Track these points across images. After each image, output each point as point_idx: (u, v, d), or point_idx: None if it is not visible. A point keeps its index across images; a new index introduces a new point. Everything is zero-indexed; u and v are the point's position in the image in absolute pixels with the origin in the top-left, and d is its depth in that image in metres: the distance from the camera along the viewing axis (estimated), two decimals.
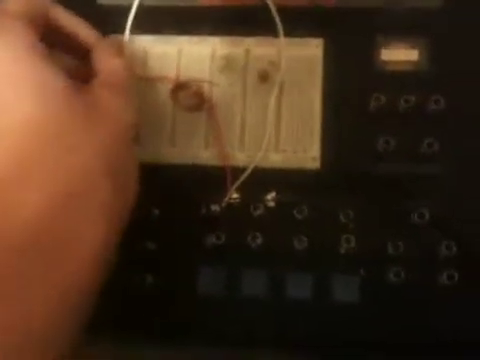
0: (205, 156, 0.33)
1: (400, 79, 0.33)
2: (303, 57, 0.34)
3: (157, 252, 0.32)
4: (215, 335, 0.31)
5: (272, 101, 0.33)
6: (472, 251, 0.30)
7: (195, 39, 0.35)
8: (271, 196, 0.32)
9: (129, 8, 0.35)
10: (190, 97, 0.33)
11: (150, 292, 0.31)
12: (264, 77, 0.33)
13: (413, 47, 0.33)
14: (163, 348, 0.32)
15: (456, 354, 0.30)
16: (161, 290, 0.32)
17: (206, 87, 0.34)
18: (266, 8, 0.34)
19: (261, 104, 0.33)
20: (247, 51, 0.34)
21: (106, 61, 0.29)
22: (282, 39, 0.34)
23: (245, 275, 0.31)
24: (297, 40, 0.34)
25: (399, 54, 0.33)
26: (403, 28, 0.33)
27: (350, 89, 0.33)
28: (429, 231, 0.31)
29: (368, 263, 0.31)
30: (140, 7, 0.35)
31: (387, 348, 0.31)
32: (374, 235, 0.31)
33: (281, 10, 0.34)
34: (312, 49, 0.34)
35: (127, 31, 0.34)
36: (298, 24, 0.34)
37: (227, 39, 0.34)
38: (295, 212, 0.31)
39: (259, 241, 0.31)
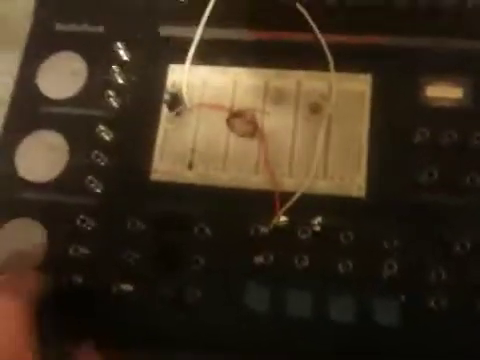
0: (255, 181, 0.35)
1: (444, 115, 0.35)
2: (352, 91, 0.36)
3: (207, 268, 0.33)
4: (259, 352, 0.33)
5: (321, 131, 0.35)
6: None
7: (250, 71, 0.37)
8: (317, 221, 0.33)
9: (189, 39, 0.38)
10: (244, 125, 0.36)
11: (198, 307, 0.33)
12: (314, 109, 0.36)
13: (457, 85, 0.35)
14: None
15: None
16: (208, 306, 0.33)
17: (259, 116, 0.36)
18: (317, 43, 0.37)
19: (310, 134, 0.35)
20: (298, 83, 0.36)
21: None
22: (333, 73, 0.36)
23: (290, 295, 0.33)
24: (347, 75, 0.36)
25: (444, 91, 0.35)
26: (448, 67, 0.35)
27: (396, 123, 0.35)
28: (470, 261, 0.32)
29: (409, 289, 0.32)
30: (200, 39, 0.38)
31: None
32: (416, 263, 0.32)
33: (332, 46, 0.36)
34: (361, 84, 0.36)
35: (188, 62, 0.37)
36: (348, 60, 0.36)
37: (280, 72, 0.37)
38: (340, 237, 0.33)
39: (305, 263, 0.32)
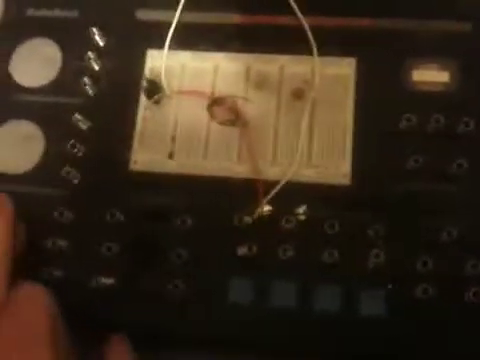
0: (238, 170, 0.34)
1: (430, 100, 0.34)
2: (336, 76, 0.35)
3: (189, 261, 0.33)
4: (244, 344, 0.32)
5: (305, 118, 0.34)
6: None
7: (231, 56, 0.36)
8: (302, 210, 0.33)
9: (167, 24, 0.36)
10: (225, 112, 0.34)
11: (181, 299, 0.32)
12: (297, 94, 0.34)
13: (444, 69, 0.34)
14: (192, 355, 0.32)
15: None
16: (192, 298, 0.32)
17: (240, 103, 0.35)
18: (300, 27, 0.35)
19: (294, 120, 0.34)
20: (281, 68, 0.35)
21: None
22: (316, 58, 0.35)
23: (274, 287, 0.32)
24: (330, 59, 0.35)
25: (430, 75, 0.34)
26: (434, 50, 0.34)
27: (381, 108, 0.34)
28: (457, 249, 0.31)
29: (396, 278, 0.31)
30: (178, 23, 0.36)
31: None
32: (402, 251, 0.31)
33: (315, 29, 0.35)
34: (345, 68, 0.35)
35: (166, 46, 0.36)
36: (331, 43, 0.35)
37: (262, 56, 0.36)
38: (325, 226, 0.32)
39: (289, 253, 0.32)
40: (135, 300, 0.32)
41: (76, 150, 0.34)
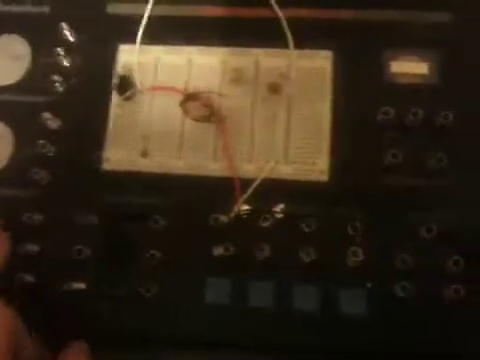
0: (214, 167, 0.33)
1: (409, 92, 0.33)
2: (313, 69, 0.34)
3: (164, 262, 0.32)
4: (222, 344, 0.31)
5: (282, 113, 0.33)
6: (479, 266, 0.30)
7: (205, 49, 0.35)
8: (280, 208, 0.32)
9: (139, 17, 0.35)
10: (199, 108, 0.34)
11: (155, 301, 0.31)
12: (274, 89, 0.34)
13: (422, 61, 0.33)
14: (169, 355, 0.32)
15: None
16: (167, 299, 0.32)
17: (216, 98, 0.34)
18: (276, 19, 0.34)
19: (271, 116, 0.33)
20: (257, 62, 0.34)
21: None
22: (292, 50, 0.34)
23: (252, 287, 0.31)
24: (307, 52, 0.34)
25: (408, 67, 0.33)
26: (413, 42, 0.34)
27: (359, 101, 0.33)
28: (437, 245, 0.31)
29: (375, 276, 0.31)
30: (150, 17, 0.35)
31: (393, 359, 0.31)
32: (381, 248, 0.31)
33: (291, 21, 0.34)
34: (322, 61, 0.34)
35: (138, 41, 0.35)
36: (308, 36, 0.34)
37: (237, 50, 0.35)
38: (303, 224, 0.31)
39: (267, 253, 0.31)
40: (108, 304, 0.31)
41: (46, 150, 0.33)
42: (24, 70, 0.36)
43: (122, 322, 0.32)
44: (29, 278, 0.32)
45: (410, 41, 0.34)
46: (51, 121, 0.34)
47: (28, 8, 0.37)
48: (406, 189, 0.32)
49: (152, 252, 0.31)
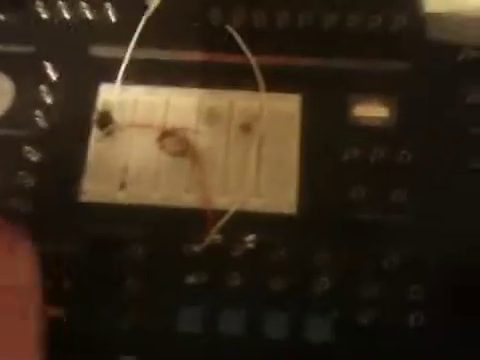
0: (188, 199, 0.35)
1: (371, 134, 0.36)
2: (282, 111, 0.36)
3: (140, 291, 0.33)
4: None
5: (253, 150, 0.35)
6: (438, 295, 0.32)
7: (182, 91, 0.37)
8: (250, 238, 0.33)
9: (120, 60, 0.37)
10: (175, 144, 0.35)
11: (131, 331, 0.32)
12: (246, 128, 0.36)
13: (384, 105, 0.36)
14: None
15: None
16: (142, 329, 0.32)
17: (191, 135, 0.36)
18: (249, 65, 0.37)
19: (243, 153, 0.35)
20: (231, 103, 0.37)
21: None
22: (263, 94, 0.36)
23: (223, 315, 0.32)
24: (277, 95, 0.37)
25: (370, 111, 0.36)
26: (375, 88, 0.36)
27: (325, 141, 0.35)
28: (398, 275, 0.32)
29: (341, 305, 0.32)
30: (131, 59, 0.37)
31: None
32: (347, 279, 0.32)
33: (263, 67, 0.37)
34: (291, 104, 0.36)
35: (118, 81, 0.37)
36: (278, 81, 0.37)
37: (212, 92, 0.37)
38: (273, 254, 0.33)
39: (238, 282, 0.32)
40: (87, 332, 0.32)
41: (25, 182, 0.34)
42: (7, 106, 0.37)
43: (96, 350, 0.32)
44: None
45: (372, 87, 0.37)
46: (31, 154, 0.35)
47: (14, 48, 0.39)
48: (370, 223, 0.34)
49: (129, 281, 0.32)
